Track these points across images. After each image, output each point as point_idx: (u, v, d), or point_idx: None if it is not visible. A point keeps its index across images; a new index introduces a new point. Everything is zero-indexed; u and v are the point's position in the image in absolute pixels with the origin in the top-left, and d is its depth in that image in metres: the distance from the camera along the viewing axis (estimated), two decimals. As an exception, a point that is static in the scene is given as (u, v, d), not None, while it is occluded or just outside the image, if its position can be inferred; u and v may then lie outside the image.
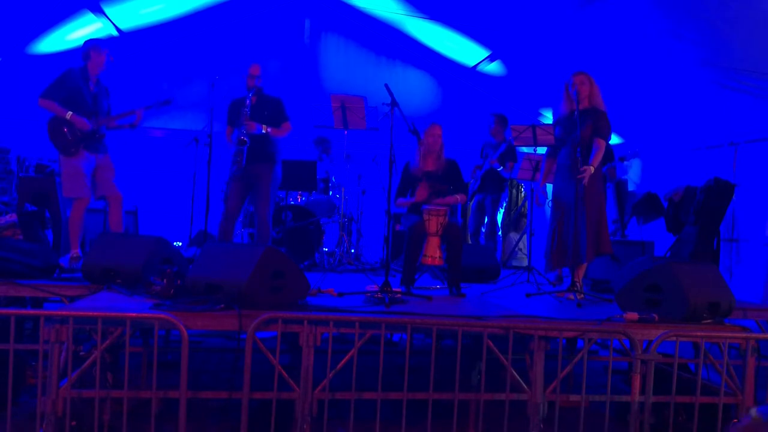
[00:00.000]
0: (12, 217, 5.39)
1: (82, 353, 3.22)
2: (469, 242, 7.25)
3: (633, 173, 8.08)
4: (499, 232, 7.39)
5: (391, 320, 3.43)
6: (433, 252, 4.51)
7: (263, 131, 5.29)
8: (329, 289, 4.40)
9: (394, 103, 4.57)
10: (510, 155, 7.08)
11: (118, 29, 7.39)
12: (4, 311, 3.39)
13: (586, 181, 4.47)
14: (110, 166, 5.16)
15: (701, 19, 5.08)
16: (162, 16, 7.61)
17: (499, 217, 7.36)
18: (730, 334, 3.51)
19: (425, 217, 4.53)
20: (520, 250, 9.26)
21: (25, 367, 3.95)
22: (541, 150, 5.94)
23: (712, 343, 3.55)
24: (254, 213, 5.71)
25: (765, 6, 4.54)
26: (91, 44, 5.08)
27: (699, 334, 3.43)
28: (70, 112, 4.93)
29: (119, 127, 5.25)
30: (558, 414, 3.29)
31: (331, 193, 7.43)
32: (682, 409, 3.48)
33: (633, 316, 3.59)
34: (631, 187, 7.79)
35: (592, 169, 4.50)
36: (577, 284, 4.57)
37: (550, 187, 5.05)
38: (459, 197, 5.01)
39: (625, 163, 7.68)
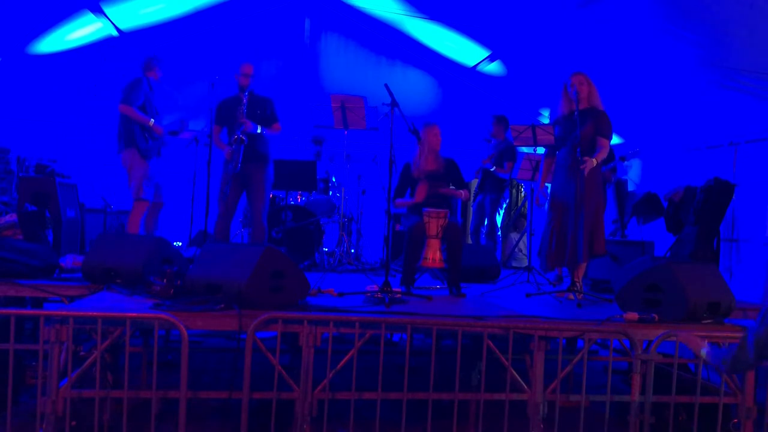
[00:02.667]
0: (12, 217, 5.40)
1: (82, 353, 3.22)
2: (469, 242, 7.25)
3: (633, 173, 8.08)
4: (499, 233, 7.38)
5: (391, 320, 3.44)
6: (433, 254, 4.51)
7: (258, 131, 5.34)
8: (329, 289, 4.40)
9: (394, 103, 4.57)
10: (508, 155, 7.08)
11: (118, 29, 7.39)
12: (4, 311, 3.39)
13: (586, 172, 4.45)
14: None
15: (701, 19, 5.08)
16: (162, 16, 7.61)
17: (499, 218, 7.35)
18: (730, 334, 3.50)
19: (425, 219, 4.52)
20: (521, 250, 9.27)
21: (25, 367, 3.95)
22: (542, 150, 5.94)
23: (712, 343, 3.55)
24: (249, 213, 5.73)
25: (765, 6, 4.54)
26: (153, 56, 5.66)
27: (699, 334, 3.42)
28: (152, 120, 5.46)
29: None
30: (558, 414, 3.29)
31: (330, 193, 7.43)
32: (682, 409, 3.48)
33: (633, 316, 3.59)
34: (631, 187, 7.79)
35: (594, 161, 4.48)
36: (577, 284, 4.56)
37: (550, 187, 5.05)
38: (462, 192, 5.00)
39: (625, 163, 7.68)
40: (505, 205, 7.40)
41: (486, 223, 7.32)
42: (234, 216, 5.66)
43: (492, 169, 7.13)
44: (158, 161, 5.65)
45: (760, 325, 2.48)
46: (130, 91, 5.42)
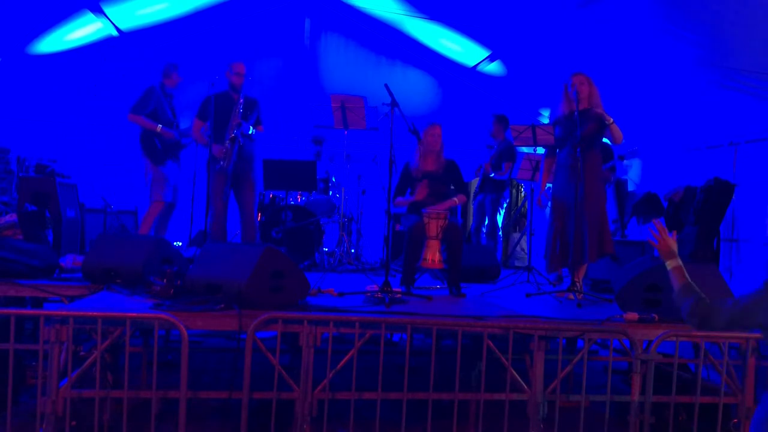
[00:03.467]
0: (12, 217, 5.40)
1: (82, 353, 3.22)
2: (470, 241, 7.25)
3: (633, 173, 8.08)
4: (500, 232, 7.38)
5: (391, 320, 3.44)
6: (432, 255, 4.50)
7: (250, 131, 5.41)
8: (329, 289, 4.40)
9: (394, 103, 4.57)
10: (507, 155, 7.09)
11: (118, 29, 7.39)
12: (4, 311, 3.39)
13: (607, 119, 4.45)
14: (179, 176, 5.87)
15: (701, 19, 5.08)
16: (162, 16, 7.61)
17: (500, 218, 7.35)
18: (730, 334, 3.50)
19: (425, 220, 4.52)
20: (522, 249, 9.27)
21: (25, 367, 3.95)
22: (542, 150, 5.94)
23: (712, 343, 3.55)
24: (240, 212, 5.74)
25: (765, 6, 4.54)
26: (170, 64, 5.82)
27: (699, 334, 3.42)
28: (161, 126, 5.60)
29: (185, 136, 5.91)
30: (558, 414, 3.29)
31: (331, 193, 7.42)
32: (682, 409, 3.48)
33: (633, 316, 3.59)
34: (631, 187, 7.80)
35: (619, 130, 4.51)
36: (577, 284, 4.56)
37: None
38: (458, 199, 5.00)
39: (625, 162, 7.68)
40: (505, 205, 7.40)
41: (486, 222, 7.32)
42: (232, 215, 5.69)
43: (492, 176, 7.13)
44: (175, 164, 5.80)
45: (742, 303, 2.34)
46: (139, 101, 5.64)
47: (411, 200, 4.96)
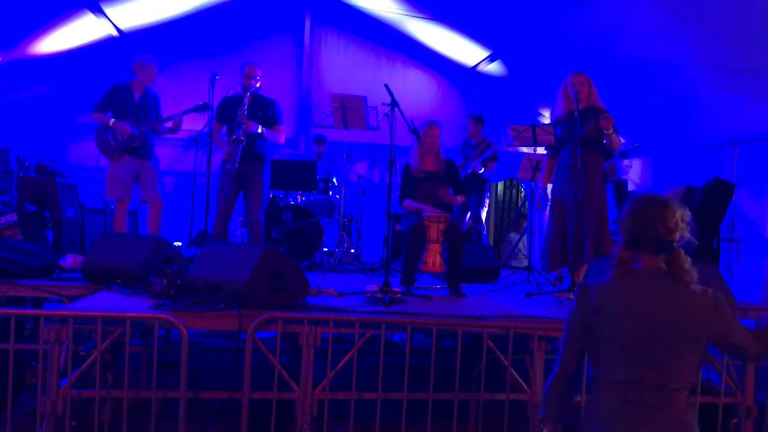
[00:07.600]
0: (12, 217, 5.40)
1: (82, 353, 3.22)
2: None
3: (633, 173, 8.08)
4: (484, 230, 7.38)
5: (391, 320, 3.44)
6: (433, 259, 4.49)
7: (259, 131, 5.37)
8: (329, 289, 4.40)
9: (394, 103, 4.57)
10: (491, 156, 7.12)
11: (118, 29, 7.39)
12: (4, 311, 3.40)
13: (607, 126, 4.43)
14: (153, 171, 5.63)
15: (701, 19, 5.08)
16: (162, 16, 7.60)
17: (483, 215, 7.35)
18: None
19: (426, 223, 4.51)
20: (521, 250, 9.27)
21: (25, 367, 3.95)
22: (542, 150, 5.94)
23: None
24: (246, 213, 5.74)
25: (765, 6, 4.54)
26: (138, 61, 5.71)
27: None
28: (113, 120, 5.52)
29: (163, 133, 5.74)
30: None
31: (330, 193, 7.43)
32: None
33: (633, 316, 3.59)
34: (631, 187, 7.79)
35: (618, 139, 4.51)
36: (578, 284, 4.55)
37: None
38: (459, 198, 5.00)
39: (626, 162, 7.67)
40: (487, 202, 7.39)
41: (469, 217, 7.28)
42: (233, 215, 5.68)
43: (481, 171, 7.12)
44: (135, 160, 5.58)
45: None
46: (100, 99, 5.61)
47: (419, 207, 4.89)
